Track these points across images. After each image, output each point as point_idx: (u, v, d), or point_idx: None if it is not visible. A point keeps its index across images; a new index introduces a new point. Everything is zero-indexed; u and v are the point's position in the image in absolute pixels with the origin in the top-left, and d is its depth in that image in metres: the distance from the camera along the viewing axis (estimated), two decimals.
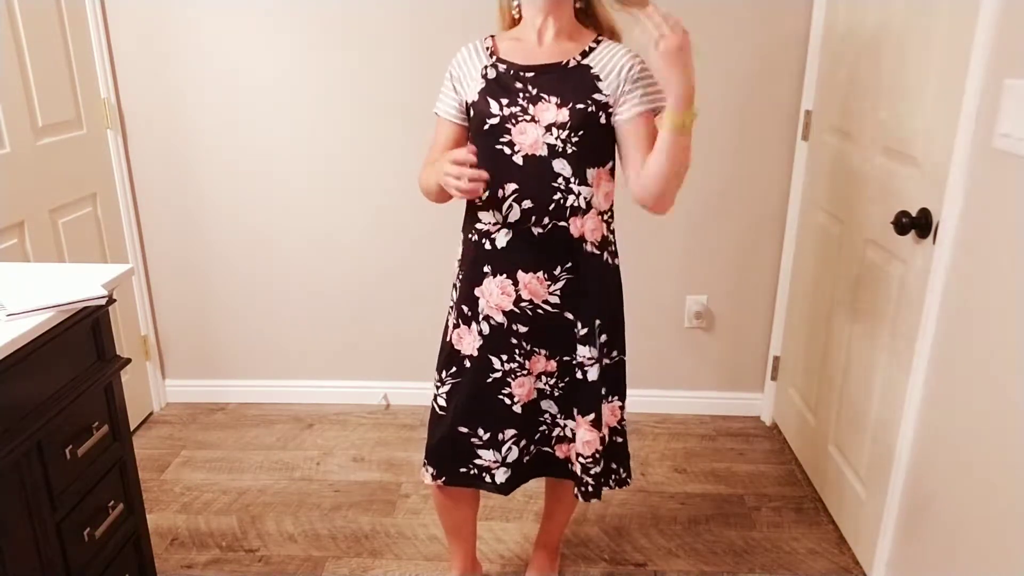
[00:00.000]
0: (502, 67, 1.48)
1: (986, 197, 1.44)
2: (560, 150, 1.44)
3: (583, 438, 1.59)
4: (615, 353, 1.61)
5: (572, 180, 1.45)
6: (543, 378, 1.59)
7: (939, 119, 1.61)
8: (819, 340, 2.28)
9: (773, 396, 2.70)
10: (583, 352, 1.55)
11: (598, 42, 1.49)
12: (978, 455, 1.45)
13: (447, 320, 1.65)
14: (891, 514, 1.78)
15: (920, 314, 1.65)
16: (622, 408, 1.66)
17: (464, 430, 1.59)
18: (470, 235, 1.54)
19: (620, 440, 1.69)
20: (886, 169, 1.86)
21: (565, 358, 1.57)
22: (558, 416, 1.62)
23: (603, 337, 1.57)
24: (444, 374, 1.61)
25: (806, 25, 2.34)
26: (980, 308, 1.46)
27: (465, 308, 1.57)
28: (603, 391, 1.60)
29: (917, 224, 1.66)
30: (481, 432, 1.59)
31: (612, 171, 1.53)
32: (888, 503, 1.80)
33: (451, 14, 2.37)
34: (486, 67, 1.49)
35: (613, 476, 1.70)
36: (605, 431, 1.64)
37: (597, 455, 1.60)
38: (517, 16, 1.53)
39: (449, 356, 1.61)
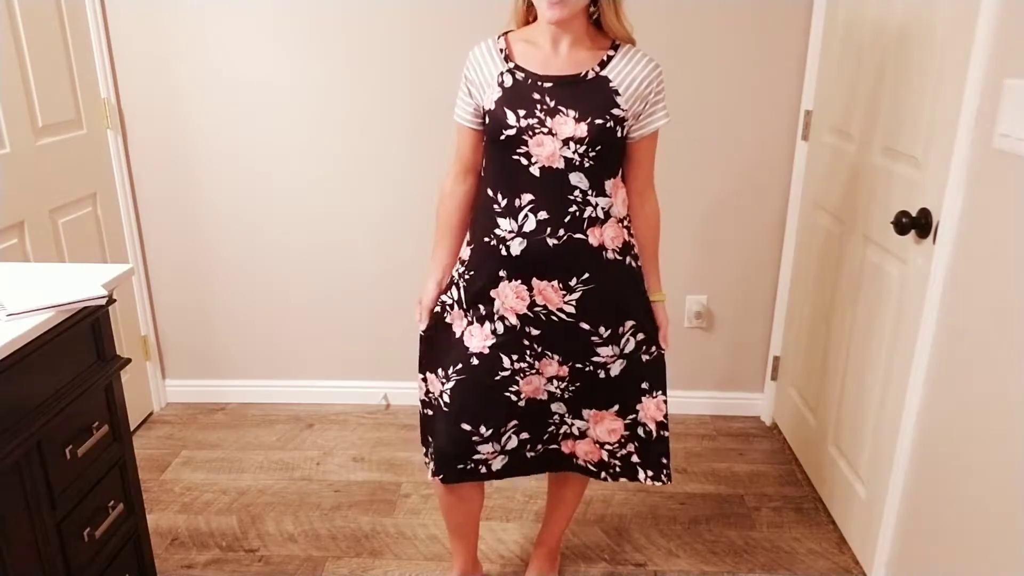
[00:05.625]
0: (519, 75, 1.46)
1: (986, 197, 1.44)
2: (577, 164, 1.44)
3: (609, 427, 1.62)
4: (654, 349, 1.62)
5: (589, 192, 1.46)
6: (554, 382, 1.59)
7: (939, 119, 1.61)
8: (819, 340, 2.28)
9: (773, 396, 2.70)
10: (606, 352, 1.56)
11: (615, 48, 1.48)
12: (978, 455, 1.45)
13: (447, 316, 1.64)
14: (891, 514, 1.78)
15: (920, 314, 1.65)
16: (665, 402, 1.65)
17: (467, 427, 1.59)
18: (487, 239, 1.53)
19: (666, 434, 1.67)
20: (886, 169, 1.86)
21: (578, 365, 1.57)
22: (566, 416, 1.64)
23: (640, 336, 1.58)
24: (450, 371, 1.61)
25: (806, 25, 2.34)
26: (980, 308, 1.46)
27: (481, 307, 1.57)
28: (645, 386, 1.62)
29: (917, 224, 1.66)
30: (483, 429, 1.59)
31: (623, 177, 1.55)
32: (888, 503, 1.80)
33: (454, 14, 2.37)
34: (502, 73, 1.48)
35: (664, 471, 1.68)
36: (651, 425, 1.63)
37: (623, 439, 1.64)
38: (532, 18, 1.51)
39: (455, 353, 1.60)
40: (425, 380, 1.66)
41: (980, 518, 1.44)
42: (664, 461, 1.69)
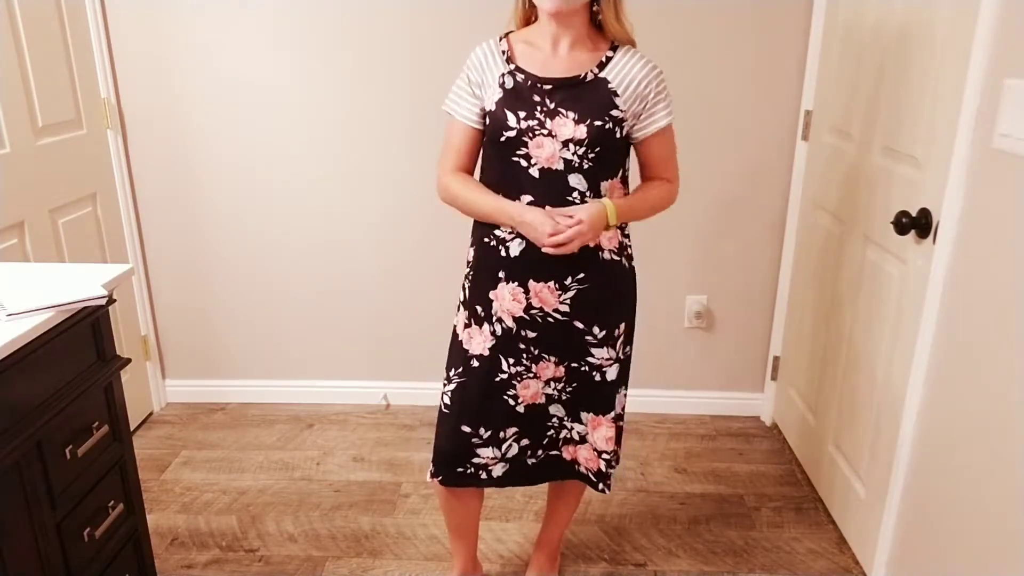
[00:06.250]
0: (520, 77, 1.47)
1: (986, 197, 1.44)
2: (576, 165, 1.45)
3: (605, 435, 1.62)
4: (627, 348, 1.64)
5: (587, 194, 1.47)
6: (551, 384, 1.60)
7: (939, 119, 1.61)
8: (819, 340, 2.28)
9: (773, 396, 2.70)
10: (601, 354, 1.57)
11: (615, 49, 1.48)
12: (978, 455, 1.45)
13: (456, 319, 1.65)
14: (891, 514, 1.78)
15: (920, 314, 1.65)
16: (626, 396, 1.70)
17: (467, 429, 1.59)
18: (487, 239, 1.54)
19: (621, 424, 1.72)
20: (886, 169, 1.86)
21: (574, 364, 1.58)
22: (565, 419, 1.64)
23: (622, 337, 1.59)
24: (451, 373, 1.62)
25: (806, 25, 2.34)
26: (980, 308, 1.46)
27: (479, 309, 1.57)
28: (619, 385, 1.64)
29: (917, 224, 1.66)
30: (482, 431, 1.59)
31: (624, 179, 1.56)
32: (888, 503, 1.80)
33: (453, 14, 2.37)
34: (503, 75, 1.48)
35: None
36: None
37: (616, 448, 1.65)
38: (533, 19, 1.51)
39: (457, 355, 1.62)
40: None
41: (980, 518, 1.44)
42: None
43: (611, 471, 1.65)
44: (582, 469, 1.68)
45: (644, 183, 1.59)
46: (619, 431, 1.73)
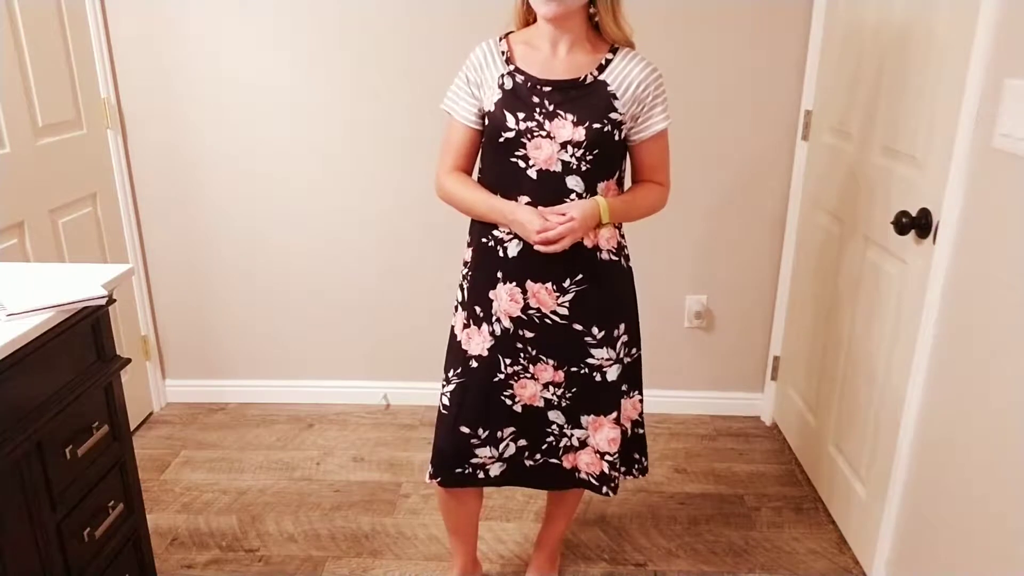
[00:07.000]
0: (519, 78, 1.47)
1: (986, 197, 1.44)
2: (574, 167, 1.45)
3: (608, 436, 1.61)
4: (634, 351, 1.64)
5: (584, 195, 1.47)
6: (550, 388, 1.59)
7: (939, 119, 1.61)
8: (819, 340, 2.28)
9: (773, 396, 2.70)
10: (601, 354, 1.56)
11: (614, 51, 1.48)
12: (978, 455, 1.45)
13: (454, 320, 1.65)
14: (891, 514, 1.78)
15: (920, 314, 1.65)
16: (641, 402, 1.70)
17: (466, 430, 1.59)
18: (485, 240, 1.54)
19: (641, 432, 1.73)
20: (886, 169, 1.86)
21: (573, 368, 1.57)
22: (565, 426, 1.63)
23: (624, 337, 1.59)
24: (450, 374, 1.62)
25: (806, 25, 2.34)
26: (980, 308, 1.46)
27: (478, 309, 1.57)
28: (623, 388, 1.62)
29: (917, 224, 1.66)
30: (481, 432, 1.59)
31: (619, 181, 1.56)
32: (888, 503, 1.80)
33: (452, 14, 2.37)
34: (503, 76, 1.48)
35: (636, 466, 1.75)
36: (627, 424, 1.67)
37: (620, 450, 1.63)
38: (532, 20, 1.52)
39: (456, 356, 1.61)
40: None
41: (980, 518, 1.44)
42: (636, 456, 1.73)
43: (615, 474, 1.64)
44: (583, 475, 1.66)
45: (636, 185, 1.59)
46: (641, 439, 1.73)
